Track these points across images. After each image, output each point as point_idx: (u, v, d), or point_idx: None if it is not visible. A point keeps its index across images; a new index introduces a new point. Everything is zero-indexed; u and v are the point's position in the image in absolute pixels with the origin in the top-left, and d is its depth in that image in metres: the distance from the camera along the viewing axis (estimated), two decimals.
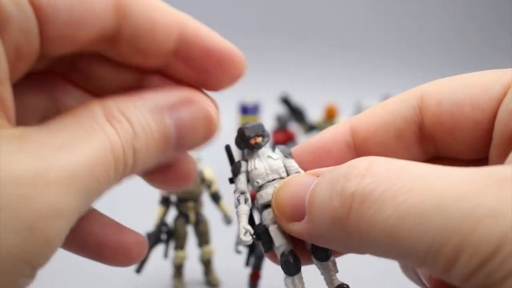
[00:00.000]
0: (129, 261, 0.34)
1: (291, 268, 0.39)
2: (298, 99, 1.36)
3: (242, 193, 0.43)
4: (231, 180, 0.42)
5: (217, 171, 0.86)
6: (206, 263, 0.85)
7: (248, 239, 0.39)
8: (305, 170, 0.41)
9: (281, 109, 1.33)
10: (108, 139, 0.27)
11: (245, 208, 0.42)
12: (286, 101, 1.33)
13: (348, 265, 0.40)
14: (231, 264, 0.85)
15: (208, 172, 0.85)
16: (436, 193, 0.28)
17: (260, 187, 0.41)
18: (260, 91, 1.92)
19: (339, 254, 0.38)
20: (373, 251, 0.29)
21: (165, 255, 0.84)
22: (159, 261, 0.83)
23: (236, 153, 0.43)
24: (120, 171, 0.27)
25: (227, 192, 0.90)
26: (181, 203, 0.83)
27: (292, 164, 0.42)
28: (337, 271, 0.36)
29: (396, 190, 0.28)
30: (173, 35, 0.31)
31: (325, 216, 0.31)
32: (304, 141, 0.42)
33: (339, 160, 0.40)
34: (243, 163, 0.42)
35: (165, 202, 0.84)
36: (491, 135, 0.38)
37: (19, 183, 0.23)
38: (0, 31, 0.25)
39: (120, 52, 0.31)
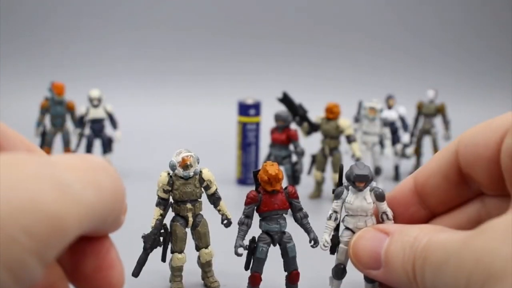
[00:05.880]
0: None
1: (339, 274, 0.68)
2: (298, 99, 1.34)
3: (335, 212, 0.66)
4: (333, 191, 0.66)
5: (216, 172, 0.84)
6: (206, 266, 0.83)
7: (325, 248, 0.67)
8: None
9: (281, 109, 1.30)
10: None
11: (331, 224, 0.66)
12: (286, 100, 1.30)
13: None
14: (230, 268, 0.83)
15: (207, 173, 0.82)
16: (454, 251, 0.42)
17: (349, 215, 0.64)
18: (260, 91, 1.91)
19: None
20: None
21: (163, 259, 0.82)
22: (157, 264, 0.81)
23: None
24: None
25: (226, 192, 0.89)
26: (179, 204, 0.82)
27: (383, 206, 0.61)
28: None
29: (434, 259, 0.44)
30: None
31: (401, 274, 0.48)
32: None
33: (408, 205, 0.57)
34: (345, 192, 0.65)
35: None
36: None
37: None
38: None
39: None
